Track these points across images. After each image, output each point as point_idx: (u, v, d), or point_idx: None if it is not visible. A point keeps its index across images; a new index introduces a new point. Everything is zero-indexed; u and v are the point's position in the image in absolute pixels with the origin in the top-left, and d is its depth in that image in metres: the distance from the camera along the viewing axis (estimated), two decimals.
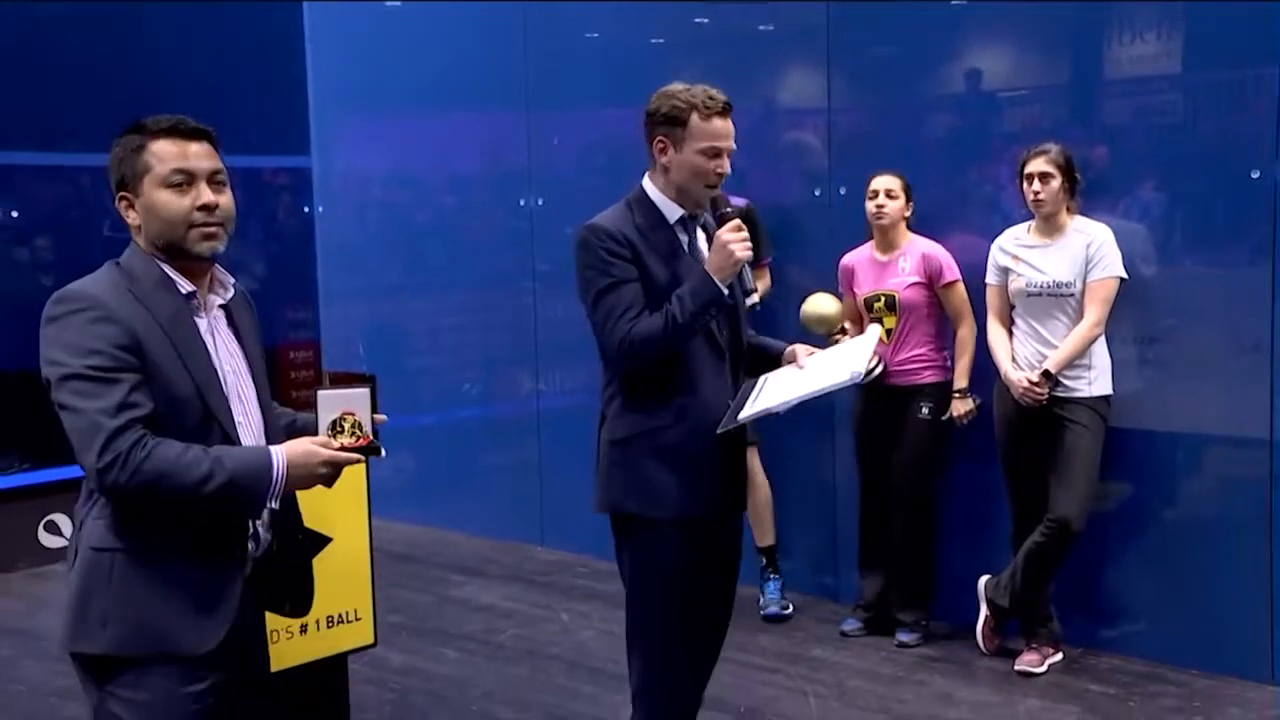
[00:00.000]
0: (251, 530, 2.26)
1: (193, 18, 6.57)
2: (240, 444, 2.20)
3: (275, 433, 2.34)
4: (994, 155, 4.66)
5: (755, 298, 2.99)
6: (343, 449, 2.21)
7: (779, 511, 5.05)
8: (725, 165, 2.88)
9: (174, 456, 2.05)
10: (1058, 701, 4.06)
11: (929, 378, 4.53)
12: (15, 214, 6.37)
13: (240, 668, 2.26)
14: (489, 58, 6.19)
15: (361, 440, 2.23)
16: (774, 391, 2.84)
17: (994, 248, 4.37)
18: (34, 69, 6.07)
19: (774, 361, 3.03)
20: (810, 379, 2.86)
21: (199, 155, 2.20)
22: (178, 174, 2.17)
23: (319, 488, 2.24)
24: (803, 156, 5.14)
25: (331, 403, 2.24)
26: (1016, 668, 4.29)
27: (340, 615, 3.52)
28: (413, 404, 6.54)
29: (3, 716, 4.17)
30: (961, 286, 4.49)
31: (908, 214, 4.57)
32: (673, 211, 2.92)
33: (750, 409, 2.80)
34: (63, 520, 5.79)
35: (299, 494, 2.35)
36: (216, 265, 2.28)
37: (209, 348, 2.22)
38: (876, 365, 4.44)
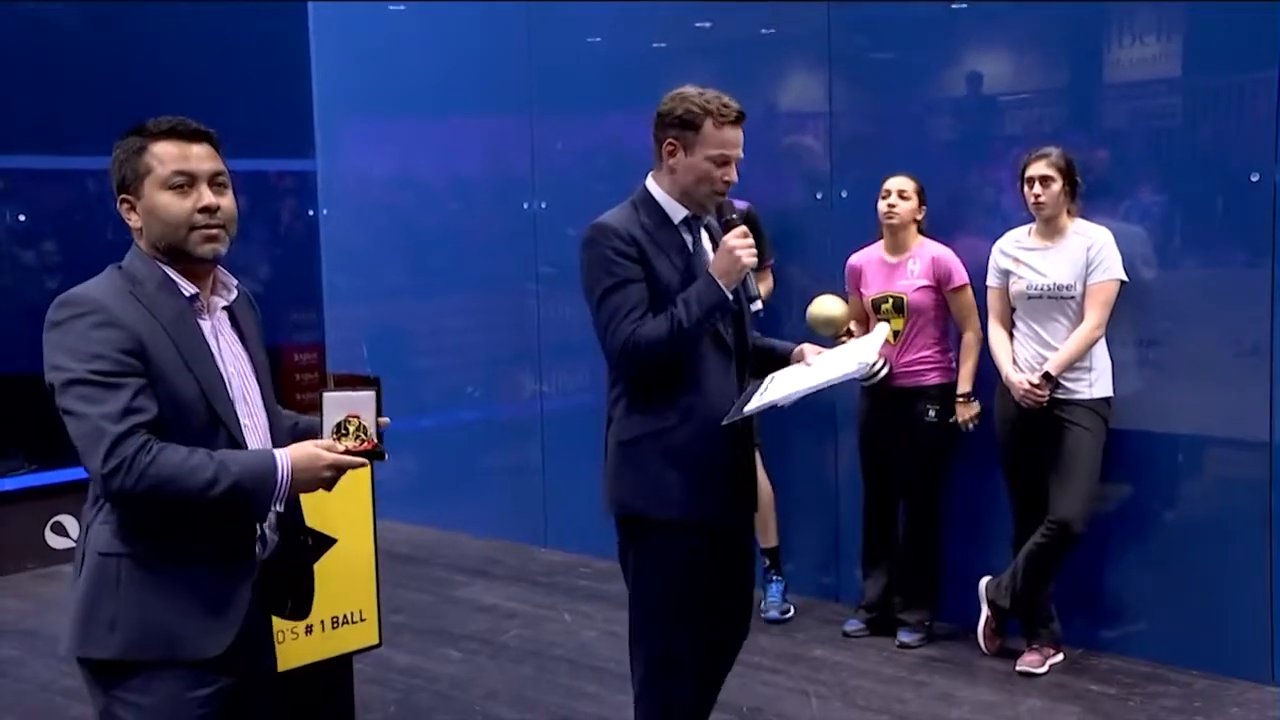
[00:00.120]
0: (259, 533, 2.25)
1: (198, 21, 6.60)
2: (246, 446, 2.20)
3: (280, 434, 2.33)
4: (995, 158, 4.68)
5: (760, 304, 2.98)
6: (347, 452, 2.20)
7: (781, 512, 5.07)
8: (733, 174, 2.89)
9: (179, 461, 2.04)
10: (1059, 701, 4.08)
11: (934, 379, 4.54)
12: (23, 217, 6.41)
13: (248, 671, 2.25)
14: (492, 62, 6.21)
15: (366, 444, 2.23)
16: (780, 387, 2.85)
17: (995, 250, 4.39)
18: (39, 73, 6.10)
19: (782, 362, 3.03)
20: (816, 373, 2.87)
21: (200, 157, 2.19)
22: (179, 176, 2.16)
23: (322, 489, 2.24)
24: (804, 159, 5.15)
25: (336, 406, 2.23)
26: (1018, 668, 4.31)
27: (345, 616, 3.53)
28: (416, 405, 6.57)
29: (10, 716, 4.20)
30: (970, 291, 4.49)
31: (919, 216, 4.57)
32: (677, 212, 2.93)
33: (756, 402, 2.81)
34: (69, 521, 5.82)
35: (302, 496, 2.35)
36: (219, 267, 2.27)
37: (213, 350, 2.21)
38: (883, 367, 4.47)
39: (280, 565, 2.33)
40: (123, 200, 2.21)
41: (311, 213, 7.28)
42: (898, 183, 4.55)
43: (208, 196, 2.17)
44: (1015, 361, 4.31)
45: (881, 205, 4.55)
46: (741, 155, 2.90)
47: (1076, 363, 4.18)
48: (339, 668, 3.57)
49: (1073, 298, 4.19)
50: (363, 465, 2.24)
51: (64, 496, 5.70)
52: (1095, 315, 4.16)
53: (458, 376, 6.70)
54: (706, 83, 2.95)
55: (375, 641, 3.64)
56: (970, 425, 4.49)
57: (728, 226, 2.91)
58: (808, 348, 3.01)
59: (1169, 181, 4.31)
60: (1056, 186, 4.16)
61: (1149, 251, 4.30)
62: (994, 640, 4.47)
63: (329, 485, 2.21)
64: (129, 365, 2.07)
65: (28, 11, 6.14)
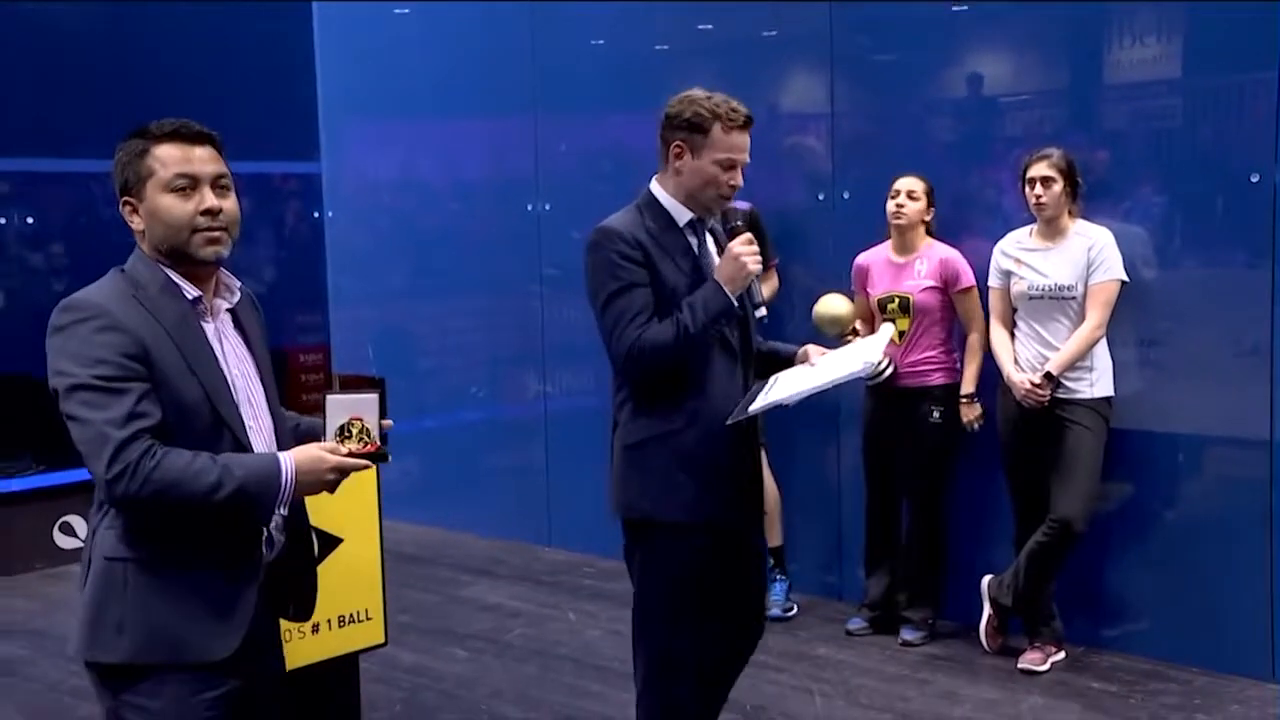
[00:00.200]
0: (265, 535, 2.25)
1: (203, 24, 6.64)
2: (251, 448, 2.20)
3: (285, 435, 2.34)
4: (996, 159, 4.70)
5: (764, 310, 3.00)
6: (350, 455, 2.20)
7: (785, 512, 5.08)
8: (739, 178, 2.90)
9: (183, 465, 2.04)
10: (1060, 699, 4.10)
11: (938, 380, 4.55)
12: (30, 220, 6.45)
13: (255, 672, 2.25)
14: (495, 64, 6.24)
15: (369, 447, 2.23)
16: (784, 387, 2.86)
17: (996, 251, 4.41)
18: (44, 75, 6.13)
19: (786, 363, 3.04)
20: (821, 373, 2.88)
21: (202, 159, 2.18)
22: (181, 178, 2.15)
23: (325, 492, 2.23)
24: (806, 160, 5.17)
25: (340, 408, 2.23)
26: (1019, 666, 4.33)
27: (351, 615, 3.56)
28: (421, 406, 6.60)
29: (19, 715, 4.23)
30: (976, 293, 4.50)
31: (927, 217, 4.58)
32: (682, 215, 2.93)
33: (761, 402, 2.81)
34: (77, 522, 5.85)
35: (307, 497, 2.33)
36: (222, 269, 2.26)
37: (217, 353, 2.20)
38: (888, 367, 4.49)
39: (284, 567, 2.32)
40: (125, 203, 2.21)
41: (316, 215, 7.31)
42: (907, 183, 4.56)
43: (210, 199, 2.17)
44: (1017, 361, 4.33)
45: (890, 205, 4.56)
46: (748, 160, 2.91)
47: (1078, 362, 4.20)
48: (345, 666, 3.59)
49: (1074, 298, 4.21)
50: (366, 468, 2.24)
51: (72, 497, 5.74)
52: (1096, 315, 4.18)
53: (462, 377, 6.73)
54: (708, 84, 2.97)
55: (381, 640, 3.66)
56: (974, 426, 4.51)
57: (733, 233, 2.91)
58: (812, 349, 3.02)
59: (1169, 182, 4.32)
60: (1057, 187, 4.18)
61: (1150, 252, 4.32)
62: (996, 638, 4.49)
63: (332, 488, 2.21)
64: (132, 370, 2.06)
65: (32, 13, 6.17)
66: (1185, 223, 4.32)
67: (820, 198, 5.10)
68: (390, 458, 2.27)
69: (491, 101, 6.32)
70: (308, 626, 3.34)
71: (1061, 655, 4.39)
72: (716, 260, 2.96)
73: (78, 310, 2.09)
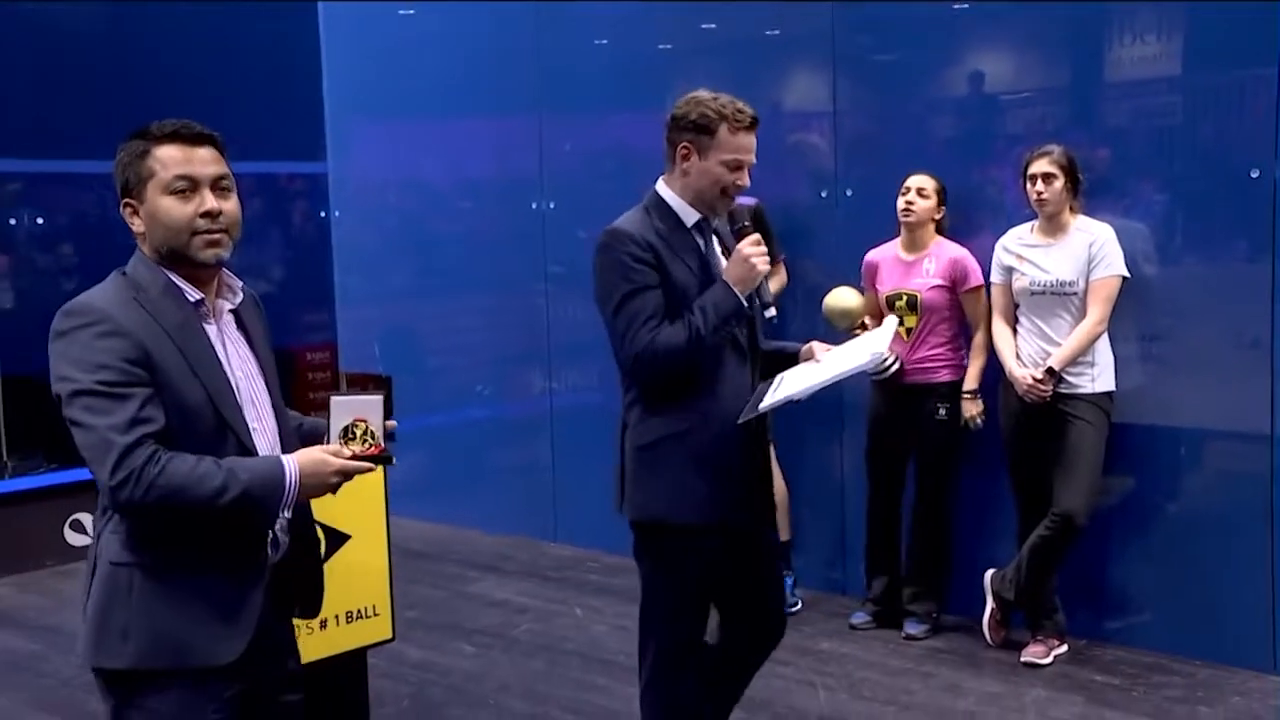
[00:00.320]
0: (270, 537, 2.24)
1: (210, 25, 6.68)
2: (255, 450, 2.18)
3: (289, 436, 2.32)
4: (997, 156, 4.72)
5: (773, 310, 2.98)
6: (354, 457, 2.19)
7: (790, 508, 5.11)
8: (745, 178, 2.90)
9: (187, 471, 2.02)
10: (1063, 692, 4.12)
11: (945, 376, 4.57)
12: (40, 221, 6.49)
13: (265, 674, 2.25)
14: (500, 63, 6.27)
15: (373, 448, 2.21)
16: (792, 383, 2.86)
17: (998, 247, 4.43)
18: (51, 76, 6.17)
19: (791, 361, 3.04)
20: (829, 367, 2.89)
21: (204, 161, 2.16)
22: (181, 180, 2.13)
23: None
24: (809, 158, 5.19)
25: (344, 409, 2.21)
26: (1022, 659, 4.35)
27: (359, 611, 3.57)
28: (427, 404, 6.63)
29: (32, 709, 4.28)
30: (984, 293, 4.51)
31: (937, 215, 4.60)
32: (689, 216, 2.93)
33: (771, 399, 2.81)
34: (88, 519, 5.89)
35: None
36: (225, 270, 2.24)
37: (219, 355, 2.18)
38: (893, 362, 4.52)
39: (289, 567, 2.31)
40: (126, 204, 2.19)
41: (323, 215, 7.36)
42: (917, 181, 4.57)
43: (210, 201, 2.14)
44: (1019, 357, 4.36)
45: (900, 202, 4.57)
46: (754, 160, 2.91)
47: (1079, 358, 4.22)
48: (353, 662, 3.61)
49: (1075, 294, 4.23)
50: (370, 470, 2.22)
51: (82, 495, 5.76)
52: (1097, 311, 4.20)
53: (468, 375, 6.76)
54: (711, 83, 2.98)
55: (389, 636, 3.68)
56: (975, 423, 4.53)
57: (741, 234, 2.91)
58: (816, 345, 3.03)
59: (1170, 178, 4.35)
60: (1059, 183, 4.21)
61: (1150, 247, 4.34)
62: (999, 632, 4.52)
63: (336, 490, 2.19)
64: (135, 375, 2.04)
65: (39, 13, 6.21)
66: (1186, 218, 4.34)
67: (823, 195, 5.13)
68: (395, 460, 2.26)
69: (496, 101, 6.35)
70: (316, 623, 3.35)
71: (1064, 648, 4.41)
72: (722, 260, 2.98)
73: (79, 315, 2.08)
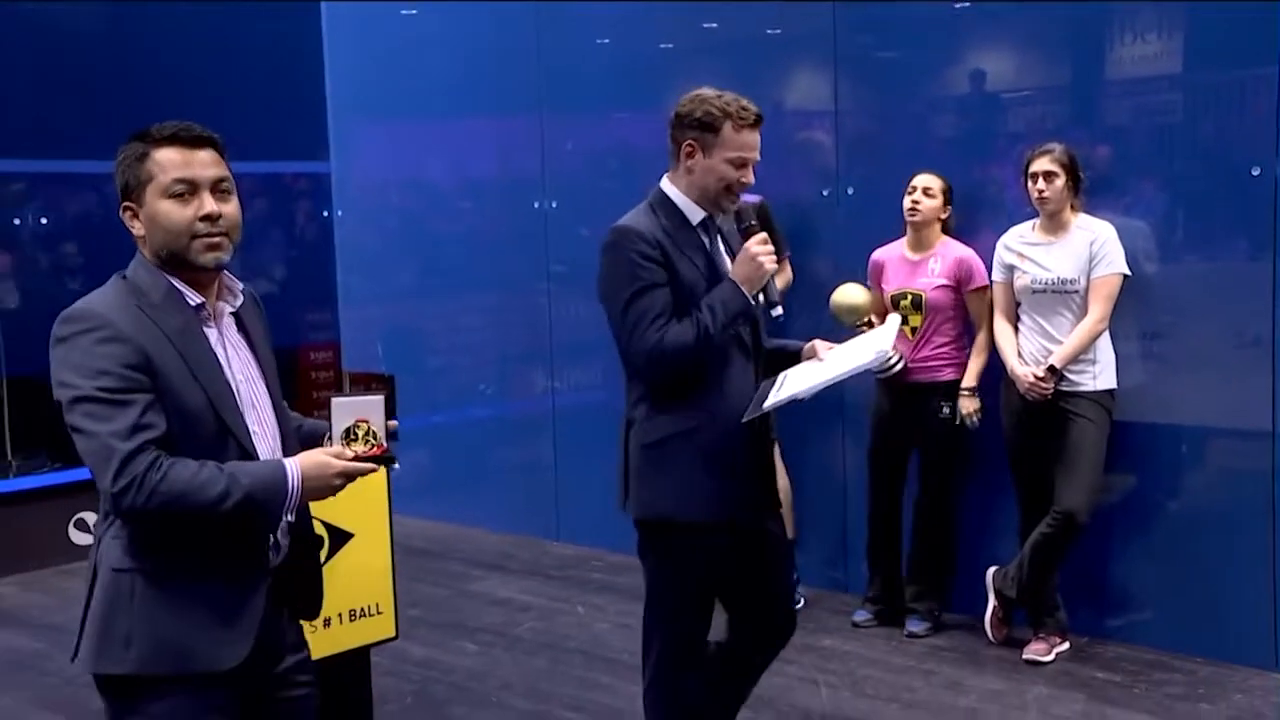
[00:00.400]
0: (272, 540, 2.23)
1: (213, 25, 6.70)
2: (256, 453, 2.17)
3: (290, 437, 2.31)
4: (998, 155, 4.73)
5: (780, 309, 2.97)
6: (357, 458, 2.17)
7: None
8: (750, 176, 2.90)
9: (189, 476, 2.01)
10: (1065, 689, 4.13)
11: (949, 375, 4.57)
12: (45, 221, 6.51)
13: (267, 676, 2.25)
14: (502, 63, 6.29)
15: (375, 449, 2.20)
16: (796, 382, 2.86)
17: (999, 246, 4.44)
18: (58, 77, 6.19)
19: (794, 359, 3.04)
20: (833, 366, 2.89)
21: (203, 163, 2.14)
22: (180, 184, 2.12)
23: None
24: (811, 157, 5.20)
25: (345, 410, 2.20)
26: (1024, 656, 4.36)
27: (362, 609, 3.57)
28: (430, 403, 6.65)
29: (36, 708, 4.30)
30: (988, 293, 4.52)
31: (944, 215, 4.60)
32: (695, 214, 2.93)
33: (775, 397, 2.81)
34: (91, 518, 5.90)
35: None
36: (225, 272, 2.22)
37: (220, 359, 2.17)
38: (898, 361, 4.53)
39: (288, 568, 2.30)
40: (125, 207, 2.18)
41: (326, 214, 7.38)
42: (924, 180, 4.57)
43: (209, 204, 2.13)
44: (1020, 355, 4.37)
45: (906, 201, 4.58)
46: (758, 158, 2.92)
47: (1081, 356, 4.23)
48: (356, 660, 3.61)
49: (1076, 292, 4.24)
50: (373, 471, 2.21)
51: (86, 494, 5.76)
52: (1099, 309, 4.21)
53: (470, 374, 6.78)
54: (713, 83, 2.98)
55: (392, 634, 3.68)
56: (972, 420, 4.53)
57: (748, 232, 2.91)
58: (819, 344, 3.03)
59: (1171, 176, 4.35)
60: (1060, 182, 4.21)
61: (1152, 246, 4.35)
62: (1001, 629, 4.53)
63: (338, 492, 2.19)
64: (136, 381, 2.04)
65: (41, 13, 6.22)
66: (1187, 216, 4.35)
67: (825, 194, 5.14)
68: (397, 461, 2.25)
69: (498, 101, 6.36)
70: (319, 621, 3.35)
71: (1066, 646, 4.42)
72: (727, 259, 2.98)
73: (79, 321, 2.07)
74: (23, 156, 6.27)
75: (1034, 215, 4.36)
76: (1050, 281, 4.27)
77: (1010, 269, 4.39)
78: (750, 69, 5.27)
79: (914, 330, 4.58)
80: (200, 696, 2.12)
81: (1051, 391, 4.24)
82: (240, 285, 2.28)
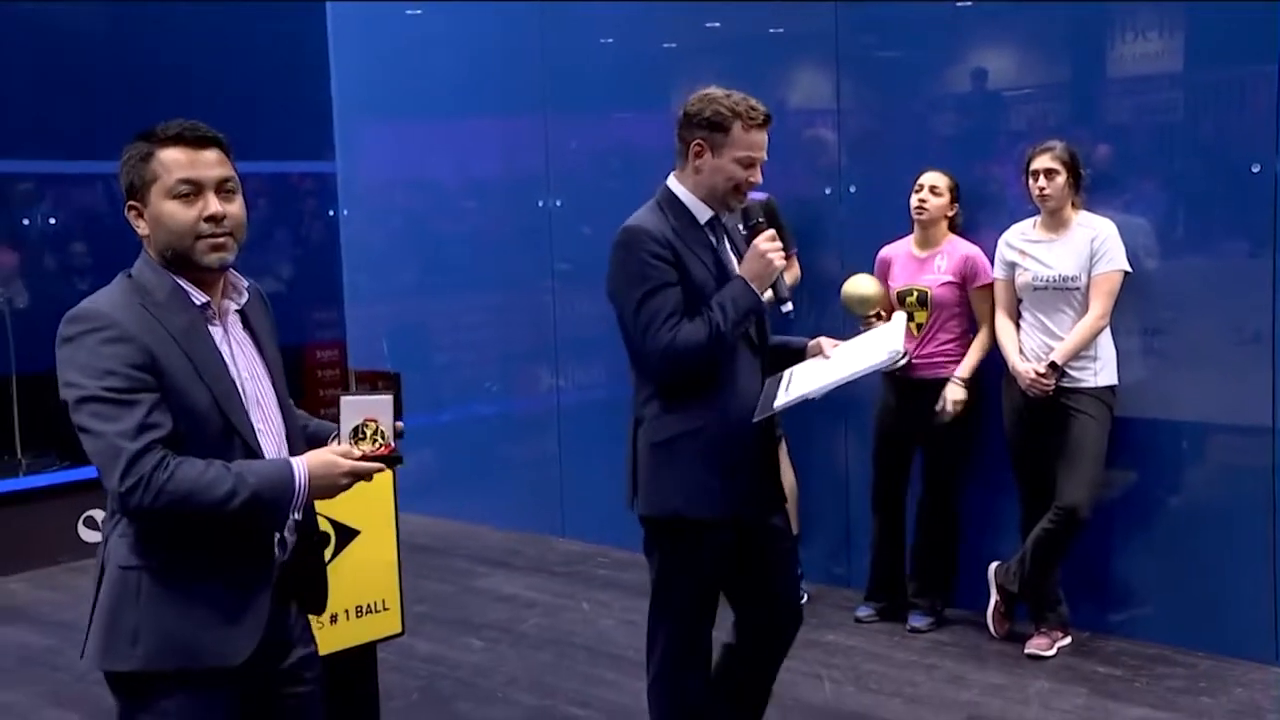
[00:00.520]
0: (278, 538, 2.24)
1: (219, 25, 6.72)
2: (262, 451, 2.17)
3: (296, 435, 2.31)
4: (1000, 153, 4.74)
5: (790, 305, 2.98)
6: (364, 457, 2.18)
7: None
8: (758, 175, 2.91)
9: (196, 475, 2.02)
10: (1066, 683, 4.15)
11: (953, 372, 4.57)
12: (53, 220, 6.55)
13: (273, 672, 2.26)
14: (507, 63, 6.31)
15: (383, 449, 2.20)
16: (805, 381, 2.87)
17: (1000, 243, 4.46)
18: (64, 77, 6.22)
19: (797, 356, 3.06)
20: (844, 364, 2.90)
21: (208, 163, 2.13)
22: (184, 184, 2.11)
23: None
24: (814, 155, 5.22)
25: (354, 409, 2.20)
26: (1026, 651, 4.39)
27: (369, 605, 3.59)
28: (436, 401, 6.68)
29: (48, 704, 4.34)
30: (992, 291, 4.52)
31: (951, 213, 4.61)
32: (702, 212, 2.94)
33: (785, 397, 2.82)
34: (101, 516, 5.94)
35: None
36: (231, 270, 2.22)
37: (225, 358, 2.17)
38: (902, 357, 4.54)
39: (293, 564, 2.31)
40: (130, 207, 2.17)
41: (331, 213, 7.41)
42: (931, 178, 4.59)
43: (214, 205, 2.12)
44: (1022, 351, 4.39)
45: (913, 199, 4.59)
46: (765, 157, 2.93)
47: (1082, 352, 4.25)
48: (363, 656, 3.62)
49: (1078, 288, 4.26)
50: (380, 471, 2.21)
51: (95, 491, 5.79)
52: (1100, 305, 4.23)
53: (476, 372, 6.80)
54: (716, 81, 3.00)
55: (398, 630, 3.70)
56: (956, 410, 4.48)
57: (755, 231, 2.93)
58: (824, 341, 3.05)
59: (1171, 174, 4.37)
60: (1061, 179, 4.23)
61: (1152, 242, 4.37)
62: (1003, 624, 4.55)
63: (345, 491, 2.19)
64: (142, 380, 2.04)
65: (44, 13, 6.26)
66: (1187, 213, 4.36)
67: (827, 192, 5.16)
68: (404, 461, 2.27)
69: (503, 100, 6.39)
70: (326, 617, 3.36)
71: (1068, 640, 4.44)
72: (732, 256, 2.99)
73: (85, 321, 2.07)
74: (30, 157, 6.30)
75: (1035, 213, 4.38)
76: (1051, 278, 4.28)
77: (1011, 266, 4.41)
78: (753, 68, 5.29)
79: (919, 327, 4.60)
80: (207, 693, 2.14)
81: (1053, 388, 4.25)
82: (246, 283, 2.28)
